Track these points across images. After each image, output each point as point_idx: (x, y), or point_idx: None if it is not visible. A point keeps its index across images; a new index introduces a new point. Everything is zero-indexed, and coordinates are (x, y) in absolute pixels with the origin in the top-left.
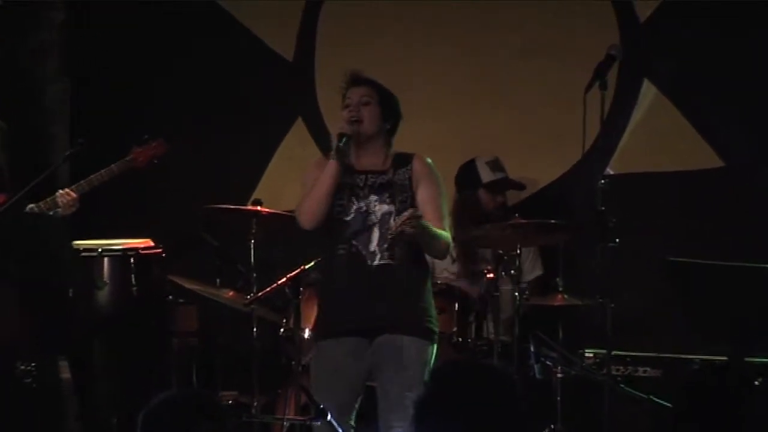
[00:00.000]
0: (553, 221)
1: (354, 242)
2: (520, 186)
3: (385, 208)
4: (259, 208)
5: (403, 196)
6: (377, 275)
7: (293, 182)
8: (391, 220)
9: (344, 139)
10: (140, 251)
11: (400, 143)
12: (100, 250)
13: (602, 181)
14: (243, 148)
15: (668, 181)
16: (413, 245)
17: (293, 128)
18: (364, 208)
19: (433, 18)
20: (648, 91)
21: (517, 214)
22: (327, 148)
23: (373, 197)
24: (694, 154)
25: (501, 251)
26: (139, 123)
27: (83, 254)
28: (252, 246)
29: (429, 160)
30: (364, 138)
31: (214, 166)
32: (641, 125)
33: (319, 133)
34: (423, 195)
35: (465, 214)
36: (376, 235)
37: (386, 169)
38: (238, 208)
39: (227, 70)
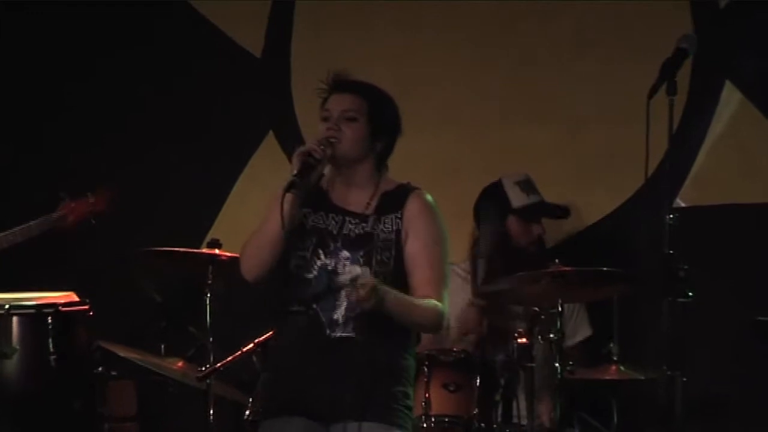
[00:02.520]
0: (605, 269)
1: (315, 305)
2: (562, 211)
3: (357, 270)
4: (217, 251)
5: (384, 255)
6: (337, 350)
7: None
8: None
9: (307, 168)
10: (60, 308)
11: (405, 164)
12: (7, 306)
13: (671, 216)
14: (196, 173)
15: (757, 215)
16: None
17: (262, 146)
18: (332, 267)
19: (448, 5)
20: (731, 97)
21: (557, 260)
22: None
23: (345, 254)
24: None
25: (536, 308)
26: (56, 138)
27: None
28: (208, 301)
29: (430, 199)
30: (342, 164)
31: (157, 197)
32: (722, 141)
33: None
34: (414, 249)
35: (489, 256)
36: (343, 301)
37: (371, 213)
38: (190, 252)
39: (173, 67)
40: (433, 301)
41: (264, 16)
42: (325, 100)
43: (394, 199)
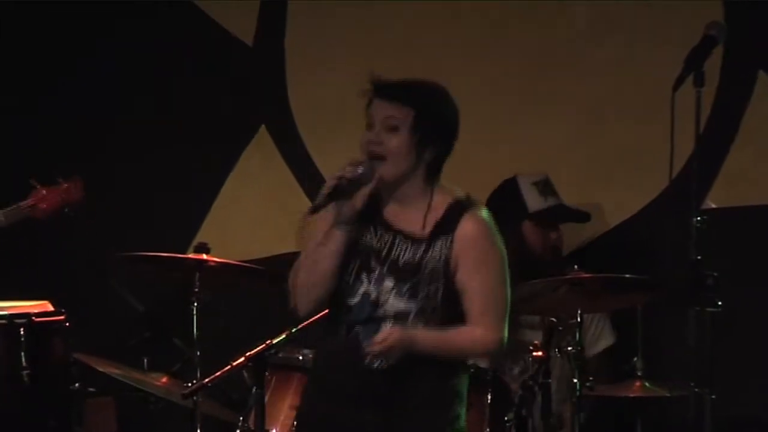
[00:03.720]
0: (627, 276)
1: (358, 328)
2: (582, 216)
3: (401, 305)
4: (204, 256)
5: (430, 288)
6: (377, 379)
7: (254, 220)
8: (409, 320)
9: (337, 191)
10: (34, 318)
11: None
12: None
13: (698, 218)
14: (182, 170)
15: None
16: None
17: (254, 141)
18: (374, 296)
19: None
20: (765, 89)
21: (576, 266)
22: (301, 170)
23: (389, 283)
24: None
25: (554, 319)
26: (37, 133)
27: None
28: (194, 311)
29: (485, 217)
30: (389, 182)
31: (140, 197)
32: (755, 137)
33: (291, 149)
34: (465, 277)
35: None
36: (388, 328)
37: (424, 235)
38: (175, 257)
39: (157, 59)
40: (474, 329)
41: (256, 1)
42: (370, 101)
43: (447, 221)
